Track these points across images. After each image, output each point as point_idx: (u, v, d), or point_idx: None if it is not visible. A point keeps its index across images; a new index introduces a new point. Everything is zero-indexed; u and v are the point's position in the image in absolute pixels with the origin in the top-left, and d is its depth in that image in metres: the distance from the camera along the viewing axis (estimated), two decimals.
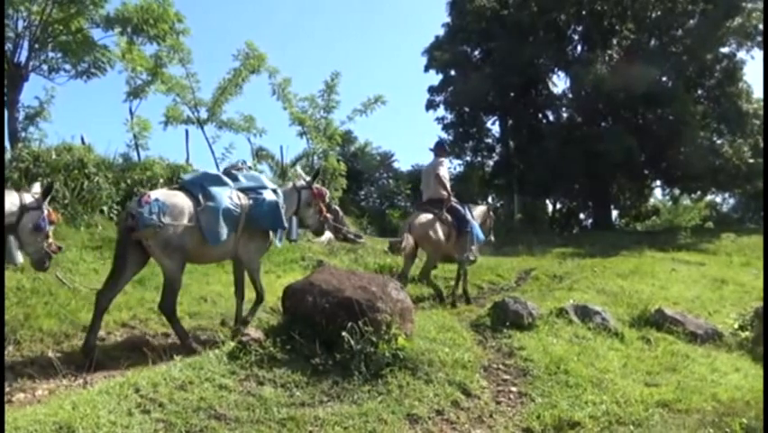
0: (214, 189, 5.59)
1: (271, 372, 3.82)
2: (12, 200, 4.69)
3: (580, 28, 25.23)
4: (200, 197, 5.47)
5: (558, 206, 29.31)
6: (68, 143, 10.17)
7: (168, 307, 5.30)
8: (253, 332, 4.13)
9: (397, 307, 4.43)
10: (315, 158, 15.63)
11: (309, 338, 4.09)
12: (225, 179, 5.89)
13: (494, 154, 28.23)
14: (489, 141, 28.31)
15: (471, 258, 8.35)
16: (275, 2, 68.44)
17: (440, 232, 7.88)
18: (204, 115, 13.72)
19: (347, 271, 4.92)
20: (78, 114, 33.39)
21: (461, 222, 8.16)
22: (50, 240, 4.92)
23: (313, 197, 6.51)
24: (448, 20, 26.53)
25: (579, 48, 25.47)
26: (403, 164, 30.32)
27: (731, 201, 33.90)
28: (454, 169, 28.31)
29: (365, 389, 3.81)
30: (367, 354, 4.00)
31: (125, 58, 11.52)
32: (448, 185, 8.23)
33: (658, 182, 26.99)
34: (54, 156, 9.30)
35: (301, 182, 6.60)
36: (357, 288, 4.34)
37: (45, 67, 10.05)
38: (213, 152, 13.82)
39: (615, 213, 28.46)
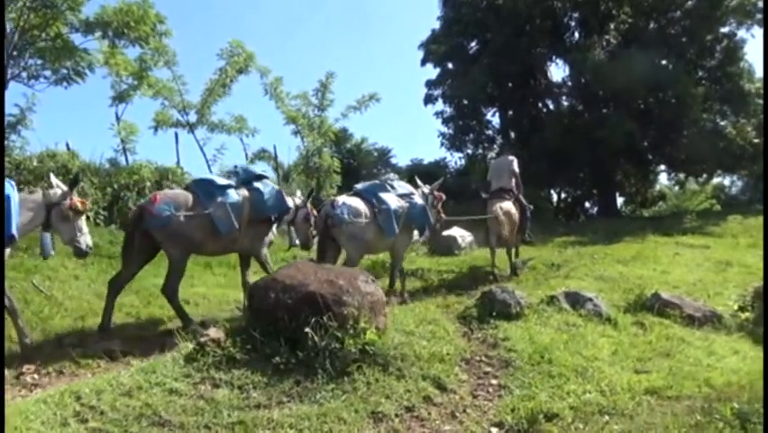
0: (384, 195, 7.27)
1: (229, 373, 3.62)
2: (290, 202, 6.82)
3: (576, 15, 24.79)
4: (374, 201, 7.11)
5: (563, 195, 28.94)
6: (51, 150, 10.06)
7: None
8: (213, 332, 3.92)
9: (366, 300, 4.21)
10: (308, 155, 15.43)
11: (272, 337, 3.89)
12: (388, 186, 7.55)
13: (495, 146, 27.81)
14: (490, 133, 27.91)
15: (528, 238, 10.66)
16: (268, 2, 68.07)
17: (518, 214, 9.83)
18: (193, 117, 13.55)
19: (316, 265, 4.71)
20: (65, 121, 33.23)
21: (525, 209, 10.19)
22: (312, 228, 7.04)
23: (435, 200, 8.18)
24: (442, 13, 26.21)
25: (576, 35, 25.00)
26: (401, 159, 30.13)
27: (739, 183, 33.35)
28: (455, 163, 28.04)
29: (329, 388, 3.60)
30: (332, 350, 3.79)
31: (109, 63, 11.35)
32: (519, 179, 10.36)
33: (662, 167, 26.51)
34: (36, 163, 9.18)
35: (426, 189, 8.18)
36: (323, 282, 4.13)
37: (24, 74, 9.89)
38: (204, 155, 13.69)
39: (621, 200, 28.11)
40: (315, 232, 7.13)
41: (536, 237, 15.59)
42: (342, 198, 7.03)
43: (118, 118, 12.18)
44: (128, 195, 9.89)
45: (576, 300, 6.24)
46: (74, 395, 3.18)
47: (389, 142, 45.70)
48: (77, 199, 5.32)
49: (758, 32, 21.48)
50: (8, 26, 9.43)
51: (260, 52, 13.49)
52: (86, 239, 5.42)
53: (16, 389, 4.18)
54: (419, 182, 8.33)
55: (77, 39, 10.37)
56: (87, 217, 8.94)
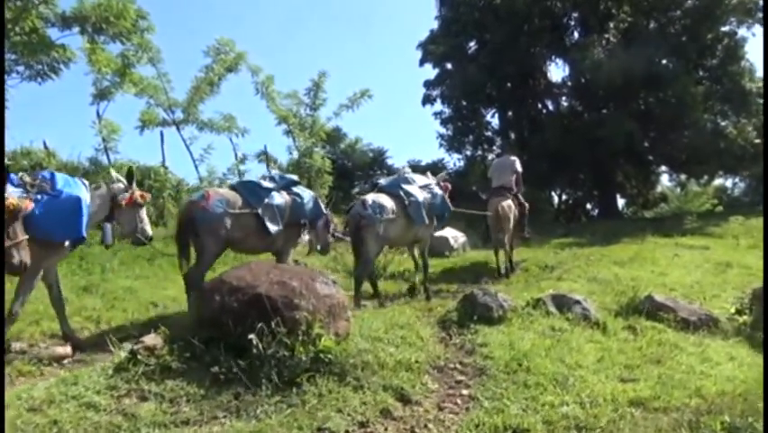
0: (409, 188, 7.62)
1: (162, 384, 3.24)
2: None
3: (575, 14, 24.49)
4: (402, 194, 7.47)
5: (564, 197, 28.54)
6: (26, 148, 9.75)
7: (360, 275, 7.14)
8: (149, 338, 3.55)
9: (323, 303, 3.84)
10: (297, 155, 15.09)
11: (215, 344, 3.52)
12: (410, 179, 7.86)
13: (494, 147, 27.46)
14: (489, 134, 27.59)
15: (527, 235, 11.06)
16: (266, 1, 67.41)
17: (516, 211, 10.09)
18: (180, 116, 13.18)
19: (271, 265, 4.33)
20: (46, 119, 32.59)
21: (523, 207, 10.46)
22: (330, 234, 7.43)
23: (444, 190, 8.33)
24: (439, 13, 25.90)
25: (575, 34, 24.73)
26: (398, 160, 29.55)
27: (741, 185, 32.90)
28: (454, 164, 27.68)
29: (272, 401, 3.22)
30: (280, 359, 3.42)
31: (91, 59, 11.03)
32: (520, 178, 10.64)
33: (663, 168, 26.14)
34: (7, 161, 8.85)
35: (433, 180, 8.39)
36: (274, 283, 3.75)
37: None
38: (191, 154, 13.31)
39: (622, 202, 27.72)
40: (335, 235, 7.64)
41: (533, 238, 15.29)
42: (371, 197, 7.28)
43: (99, 116, 11.83)
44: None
45: (563, 303, 5.87)
46: None
47: (387, 143, 44.74)
48: (138, 193, 5.72)
49: (759, 30, 21.11)
50: None
51: (257, 51, 13.24)
52: (145, 229, 5.80)
53: None
54: (429, 175, 8.61)
55: (53, 34, 10.06)
56: None
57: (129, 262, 8.21)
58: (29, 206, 4.25)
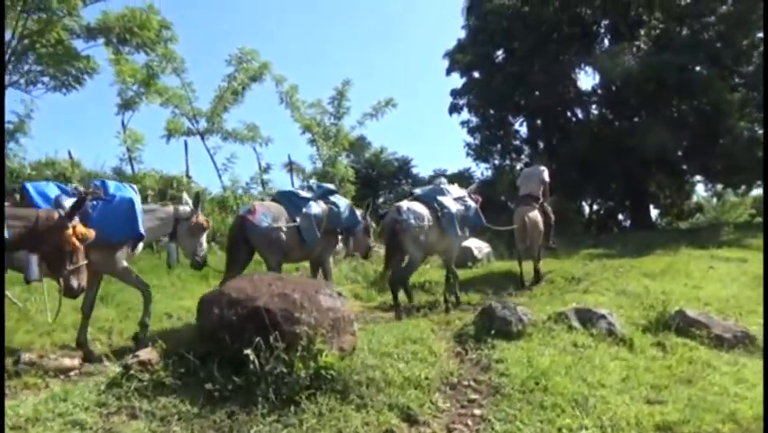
0: (443, 199, 7.68)
1: (155, 401, 3.10)
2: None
3: (605, 21, 24.08)
4: (436, 205, 7.52)
5: (595, 207, 27.96)
6: (50, 158, 9.83)
7: (403, 279, 7.40)
8: (144, 353, 3.41)
9: (326, 317, 3.66)
10: (321, 164, 15.03)
11: (211, 359, 3.36)
12: (445, 191, 7.91)
13: (523, 156, 27.09)
14: (517, 142, 27.22)
15: (553, 245, 11.13)
16: (291, 13, 67.87)
17: (543, 222, 10.05)
18: (204, 125, 13.23)
19: (274, 276, 4.17)
20: (72, 129, 33.12)
21: (549, 217, 10.41)
22: (371, 238, 7.91)
23: (475, 202, 8.31)
24: (466, 22, 25.71)
25: (605, 41, 24.29)
26: (423, 169, 29.32)
27: None
28: (481, 173, 27.38)
29: (269, 420, 3.05)
30: (278, 375, 3.25)
31: (116, 70, 11.14)
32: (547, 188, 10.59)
33: (698, 177, 25.42)
34: (30, 171, 8.94)
35: (467, 191, 8.49)
36: (274, 295, 3.59)
37: (22, 81, 9.69)
38: (214, 163, 13.34)
39: (656, 212, 27.04)
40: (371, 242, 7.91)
41: (561, 249, 14.91)
42: (405, 204, 7.35)
43: (124, 126, 11.93)
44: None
45: (587, 317, 5.61)
46: None
47: (412, 152, 44.25)
48: (202, 218, 6.02)
49: None
50: (7, 32, 9.24)
51: (281, 60, 13.28)
52: (203, 254, 6.06)
53: None
54: (456, 186, 8.60)
55: (79, 45, 10.21)
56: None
57: (147, 271, 8.14)
58: (92, 235, 4.27)
